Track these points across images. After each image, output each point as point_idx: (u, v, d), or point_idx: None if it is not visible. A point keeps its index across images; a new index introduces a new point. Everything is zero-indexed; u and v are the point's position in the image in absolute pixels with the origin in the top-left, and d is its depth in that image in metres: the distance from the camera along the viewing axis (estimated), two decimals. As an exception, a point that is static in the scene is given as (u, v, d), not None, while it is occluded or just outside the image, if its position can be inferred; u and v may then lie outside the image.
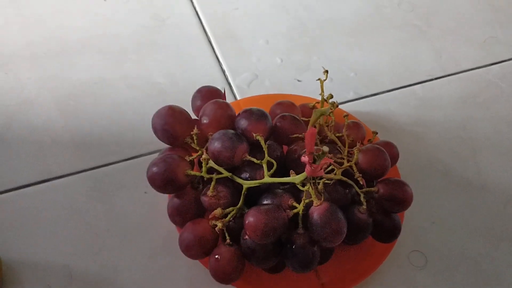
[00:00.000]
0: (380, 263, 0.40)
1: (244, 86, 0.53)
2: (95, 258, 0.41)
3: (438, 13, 0.62)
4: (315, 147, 0.35)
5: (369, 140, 0.43)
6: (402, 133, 0.50)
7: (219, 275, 0.36)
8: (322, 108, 0.38)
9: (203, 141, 0.39)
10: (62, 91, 0.50)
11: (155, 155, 0.45)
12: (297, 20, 0.59)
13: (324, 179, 0.36)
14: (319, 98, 0.43)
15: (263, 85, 0.53)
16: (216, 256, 0.36)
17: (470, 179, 0.47)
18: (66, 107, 0.49)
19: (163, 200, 0.40)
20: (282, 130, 0.40)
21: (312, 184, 0.34)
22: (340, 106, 0.52)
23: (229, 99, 0.51)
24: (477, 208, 0.46)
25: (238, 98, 0.52)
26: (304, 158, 0.32)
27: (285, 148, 0.41)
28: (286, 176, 0.37)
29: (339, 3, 0.62)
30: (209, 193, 0.36)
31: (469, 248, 0.44)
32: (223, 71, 0.54)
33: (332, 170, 0.37)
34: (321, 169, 0.32)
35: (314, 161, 0.32)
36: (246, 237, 0.35)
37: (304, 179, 0.34)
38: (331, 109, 0.39)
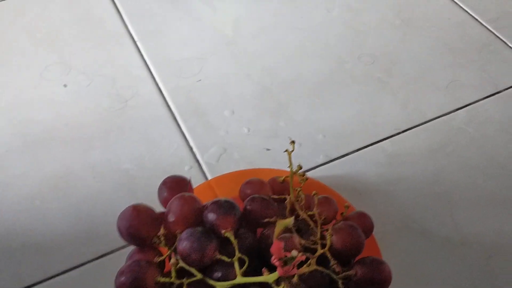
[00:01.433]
0: None
1: (213, 162, 0.52)
2: None
3: (399, 62, 0.63)
4: (287, 235, 0.34)
5: (342, 214, 0.42)
6: (375, 194, 0.50)
7: None
8: (285, 220, 0.37)
9: (172, 238, 0.38)
10: (28, 190, 0.49)
11: (128, 249, 0.45)
12: (261, 86, 0.59)
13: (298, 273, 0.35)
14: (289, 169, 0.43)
15: (232, 159, 0.53)
16: None
17: (448, 236, 0.47)
18: (32, 207, 0.48)
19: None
20: (253, 214, 0.40)
21: (287, 282, 0.33)
22: (310, 172, 0.52)
23: (198, 179, 0.51)
24: (459, 266, 0.45)
25: (208, 175, 0.52)
26: (274, 262, 0.31)
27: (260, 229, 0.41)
28: (262, 263, 0.36)
29: (300, 63, 0.62)
30: (182, 299, 0.35)
31: (456, 310, 0.43)
32: (191, 148, 0.53)
33: (307, 258, 0.36)
34: (293, 268, 0.32)
35: (285, 264, 0.31)
36: None
37: (278, 278, 0.33)
38: (297, 199, 0.38)
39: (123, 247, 0.46)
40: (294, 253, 0.31)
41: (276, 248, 0.30)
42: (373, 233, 0.44)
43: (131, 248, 0.39)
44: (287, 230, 0.39)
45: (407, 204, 0.49)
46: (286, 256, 0.32)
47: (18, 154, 0.52)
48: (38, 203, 0.48)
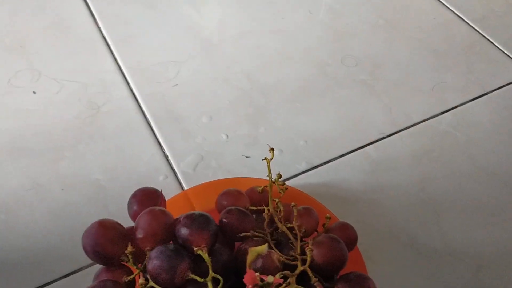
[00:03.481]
0: None
1: (189, 171, 0.50)
2: None
3: (383, 65, 0.61)
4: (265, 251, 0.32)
5: (323, 225, 0.40)
6: (359, 203, 0.48)
7: None
8: (258, 248, 0.34)
9: (142, 255, 0.36)
10: (-8, 205, 0.46)
11: (96, 267, 0.42)
12: (240, 91, 0.57)
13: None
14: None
15: (210, 167, 0.50)
16: None
17: (435, 247, 0.45)
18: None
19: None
20: (229, 227, 0.37)
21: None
22: (292, 180, 0.50)
23: (174, 189, 0.48)
24: (447, 278, 0.43)
25: (184, 185, 0.49)
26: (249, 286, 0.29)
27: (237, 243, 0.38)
28: (239, 279, 0.34)
29: (281, 67, 0.60)
30: (152, 323, 0.32)
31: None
32: (166, 157, 0.51)
33: (285, 277, 0.34)
34: (271, 291, 0.29)
35: (260, 288, 0.29)
36: None
37: (253, 301, 0.31)
38: (276, 211, 0.36)
39: (91, 264, 0.43)
40: (270, 278, 0.29)
41: (249, 278, 0.28)
42: (357, 244, 0.42)
43: (99, 266, 0.36)
44: (264, 244, 0.37)
45: (393, 213, 0.47)
46: (262, 282, 0.29)
47: (-18, 166, 0.49)
48: (2, 217, 0.45)
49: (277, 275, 0.34)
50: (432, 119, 0.56)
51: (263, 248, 0.32)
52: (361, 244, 0.42)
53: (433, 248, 0.45)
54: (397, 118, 0.55)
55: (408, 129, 0.54)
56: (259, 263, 0.34)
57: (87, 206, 0.46)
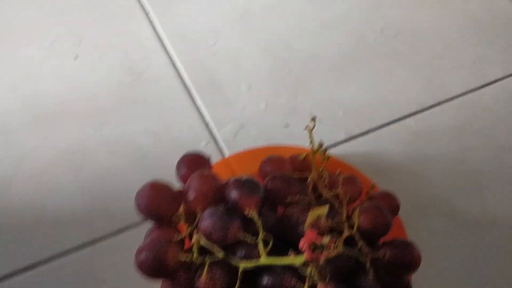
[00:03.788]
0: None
1: (230, 138, 0.51)
2: None
3: (423, 36, 0.60)
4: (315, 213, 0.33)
5: (367, 193, 0.41)
6: (399, 173, 0.48)
7: None
8: (319, 209, 0.35)
9: (192, 216, 0.37)
10: (40, 165, 0.48)
11: (145, 226, 0.43)
12: (279, 61, 0.57)
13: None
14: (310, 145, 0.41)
15: (250, 135, 0.51)
16: None
17: (477, 218, 0.45)
18: (45, 182, 0.47)
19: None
20: (274, 193, 0.38)
21: (314, 264, 0.32)
22: (331, 150, 0.50)
23: (215, 155, 0.49)
24: (488, 248, 0.44)
25: (225, 151, 0.50)
26: (303, 246, 0.30)
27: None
28: (284, 243, 0.35)
29: (320, 37, 0.59)
30: (203, 278, 0.33)
31: (485, 293, 0.41)
32: (207, 124, 0.52)
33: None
34: (322, 253, 0.30)
35: (314, 249, 0.30)
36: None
37: (305, 261, 0.32)
38: (320, 178, 0.37)
39: (138, 224, 0.44)
40: (325, 240, 0.29)
41: (310, 238, 0.29)
42: (399, 214, 0.42)
43: (146, 224, 0.37)
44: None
45: (433, 184, 0.47)
46: (315, 243, 0.30)
47: (29, 128, 0.50)
48: (51, 178, 0.47)
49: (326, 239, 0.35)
50: (472, 92, 0.55)
51: (324, 210, 0.33)
52: (401, 214, 0.43)
53: (474, 219, 0.45)
54: (436, 90, 0.55)
55: (448, 102, 0.54)
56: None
57: (132, 169, 0.48)
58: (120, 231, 0.44)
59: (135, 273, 0.41)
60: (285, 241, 0.36)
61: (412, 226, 0.36)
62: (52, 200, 0.46)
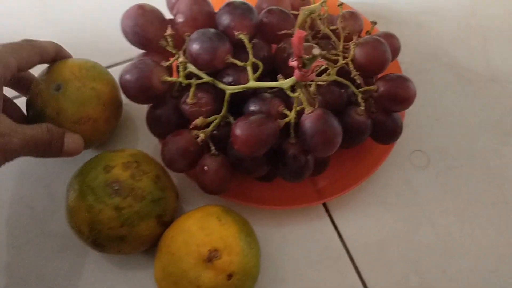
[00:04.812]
0: (379, 165, 0.37)
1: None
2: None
3: None
4: (305, 44, 0.31)
5: (367, 32, 0.38)
6: (403, 23, 0.45)
7: (208, 187, 0.33)
8: (311, 6, 0.33)
9: (180, 42, 0.35)
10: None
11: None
12: None
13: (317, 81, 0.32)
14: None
15: (248, -24, 0.47)
16: (204, 168, 0.33)
17: (478, 71, 0.43)
18: (31, 16, 0.44)
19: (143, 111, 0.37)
20: (269, 27, 0.36)
21: (303, 89, 0.30)
22: (334, -4, 0.47)
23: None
24: (485, 101, 0.42)
25: (220, -6, 0.47)
26: (292, 63, 0.28)
27: (274, 46, 0.37)
28: (275, 79, 0.34)
29: None
30: (189, 100, 0.32)
31: (475, 145, 0.41)
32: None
33: (326, 69, 0.33)
34: (312, 73, 0.28)
35: (304, 66, 0.28)
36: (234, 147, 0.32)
37: (294, 84, 0.30)
38: (322, 4, 0.34)
39: (124, 61, 0.42)
40: (315, 51, 0.27)
41: (297, 39, 0.26)
42: (399, 62, 0.41)
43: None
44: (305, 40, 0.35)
45: (438, 36, 0.45)
46: (306, 57, 0.28)
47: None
48: (38, 11, 0.44)
49: (321, 67, 0.33)
50: None
51: (317, 6, 0.31)
52: (402, 64, 0.41)
53: (476, 73, 0.43)
54: None
55: (465, -47, 0.50)
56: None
57: (118, 4, 0.45)
58: (109, 67, 0.43)
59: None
60: (275, 76, 0.34)
61: (412, 75, 0.35)
62: (37, 32, 0.44)
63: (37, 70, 0.35)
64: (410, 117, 0.40)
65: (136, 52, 0.36)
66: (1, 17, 0.44)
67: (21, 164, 0.38)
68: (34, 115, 0.34)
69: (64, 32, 0.44)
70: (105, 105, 0.35)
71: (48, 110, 0.33)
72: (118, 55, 0.42)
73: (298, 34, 0.26)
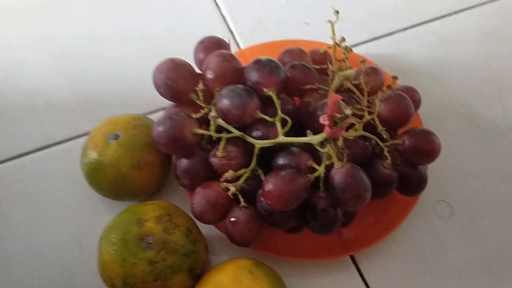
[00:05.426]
0: (405, 217, 0.38)
1: (247, 33, 0.49)
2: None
3: None
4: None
5: (388, 86, 0.40)
6: (421, 76, 0.47)
7: (237, 239, 0.34)
8: (346, 72, 0.34)
9: (209, 97, 0.36)
10: (53, 50, 0.47)
11: (157, 114, 0.43)
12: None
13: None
14: (330, 41, 0.39)
15: (268, 30, 0.49)
16: (232, 219, 0.33)
17: (495, 122, 0.44)
18: (59, 67, 0.46)
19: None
20: (293, 81, 0.37)
21: (332, 144, 0.31)
22: (353, 49, 0.48)
23: (232, 49, 0.47)
24: (505, 152, 0.43)
25: (242, 46, 0.48)
26: (324, 121, 0.29)
27: (296, 99, 0.38)
28: (299, 131, 0.35)
29: None
30: (219, 153, 0.33)
31: (498, 195, 0.41)
32: (224, 17, 0.50)
33: (352, 124, 0.34)
34: (342, 130, 0.29)
35: (335, 124, 0.29)
36: (262, 199, 0.33)
37: (324, 140, 0.31)
38: (341, 70, 0.35)
39: (151, 112, 0.44)
40: (348, 111, 0.28)
41: (333, 102, 0.28)
42: (419, 113, 0.42)
43: (162, 113, 0.37)
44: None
45: (455, 87, 0.46)
46: (338, 116, 0.29)
47: (41, 13, 0.49)
48: (65, 63, 0.46)
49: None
50: (503, -1, 0.52)
51: (351, 72, 0.32)
52: (421, 114, 0.42)
53: (493, 123, 0.44)
54: (465, -5, 0.52)
55: (477, 8, 0.51)
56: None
57: (146, 58, 0.46)
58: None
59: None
60: (302, 129, 0.35)
61: (431, 127, 0.36)
62: (66, 84, 0.45)
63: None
64: (433, 168, 0.41)
65: (160, 103, 0.37)
66: (27, 83, 0.46)
67: (51, 214, 0.39)
68: (92, 164, 0.36)
69: (87, 82, 0.45)
70: (160, 151, 0.36)
71: (107, 159, 0.35)
72: (144, 106, 0.44)
73: (333, 97, 0.27)
